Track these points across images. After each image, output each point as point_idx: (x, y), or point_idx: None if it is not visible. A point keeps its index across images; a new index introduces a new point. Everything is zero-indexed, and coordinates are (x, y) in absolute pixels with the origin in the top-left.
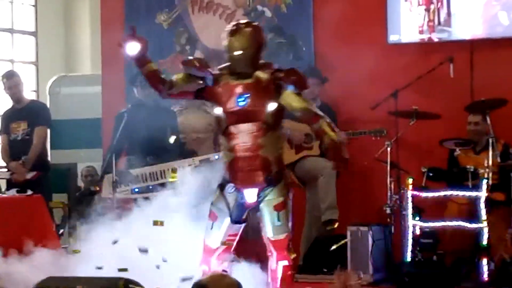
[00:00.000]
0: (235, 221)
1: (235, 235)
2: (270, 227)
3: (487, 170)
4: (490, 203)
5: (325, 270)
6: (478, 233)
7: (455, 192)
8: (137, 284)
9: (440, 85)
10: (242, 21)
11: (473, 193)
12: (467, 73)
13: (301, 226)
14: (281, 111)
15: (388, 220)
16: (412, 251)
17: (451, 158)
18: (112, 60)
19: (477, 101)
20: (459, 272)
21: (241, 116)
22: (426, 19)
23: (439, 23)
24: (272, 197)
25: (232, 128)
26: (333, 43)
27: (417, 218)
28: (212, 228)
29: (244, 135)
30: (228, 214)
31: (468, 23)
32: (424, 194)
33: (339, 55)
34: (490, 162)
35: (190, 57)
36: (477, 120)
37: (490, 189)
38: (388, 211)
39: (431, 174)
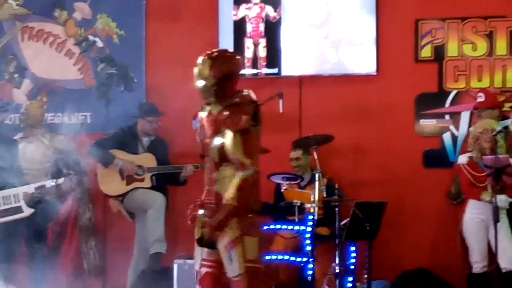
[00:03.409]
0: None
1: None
2: (225, 266)
3: (313, 205)
4: (315, 238)
5: None
6: (303, 267)
7: (282, 226)
8: None
9: (269, 120)
10: (215, 50)
11: (299, 228)
12: (296, 108)
13: (129, 258)
14: None
15: None
16: None
17: (277, 192)
18: None
19: (304, 136)
20: None
21: (203, 149)
22: (257, 55)
23: (270, 59)
24: (224, 235)
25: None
26: (165, 75)
27: None
28: (195, 251)
29: (206, 168)
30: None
31: (298, 60)
32: None
33: (172, 87)
34: (316, 197)
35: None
36: (298, 156)
37: (315, 223)
38: None
39: None
